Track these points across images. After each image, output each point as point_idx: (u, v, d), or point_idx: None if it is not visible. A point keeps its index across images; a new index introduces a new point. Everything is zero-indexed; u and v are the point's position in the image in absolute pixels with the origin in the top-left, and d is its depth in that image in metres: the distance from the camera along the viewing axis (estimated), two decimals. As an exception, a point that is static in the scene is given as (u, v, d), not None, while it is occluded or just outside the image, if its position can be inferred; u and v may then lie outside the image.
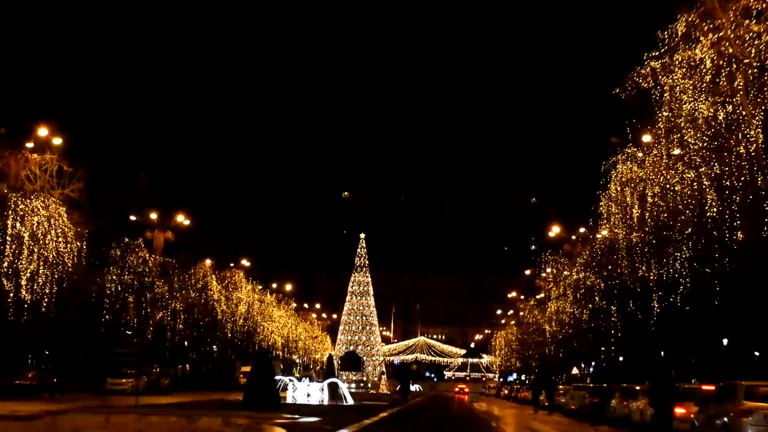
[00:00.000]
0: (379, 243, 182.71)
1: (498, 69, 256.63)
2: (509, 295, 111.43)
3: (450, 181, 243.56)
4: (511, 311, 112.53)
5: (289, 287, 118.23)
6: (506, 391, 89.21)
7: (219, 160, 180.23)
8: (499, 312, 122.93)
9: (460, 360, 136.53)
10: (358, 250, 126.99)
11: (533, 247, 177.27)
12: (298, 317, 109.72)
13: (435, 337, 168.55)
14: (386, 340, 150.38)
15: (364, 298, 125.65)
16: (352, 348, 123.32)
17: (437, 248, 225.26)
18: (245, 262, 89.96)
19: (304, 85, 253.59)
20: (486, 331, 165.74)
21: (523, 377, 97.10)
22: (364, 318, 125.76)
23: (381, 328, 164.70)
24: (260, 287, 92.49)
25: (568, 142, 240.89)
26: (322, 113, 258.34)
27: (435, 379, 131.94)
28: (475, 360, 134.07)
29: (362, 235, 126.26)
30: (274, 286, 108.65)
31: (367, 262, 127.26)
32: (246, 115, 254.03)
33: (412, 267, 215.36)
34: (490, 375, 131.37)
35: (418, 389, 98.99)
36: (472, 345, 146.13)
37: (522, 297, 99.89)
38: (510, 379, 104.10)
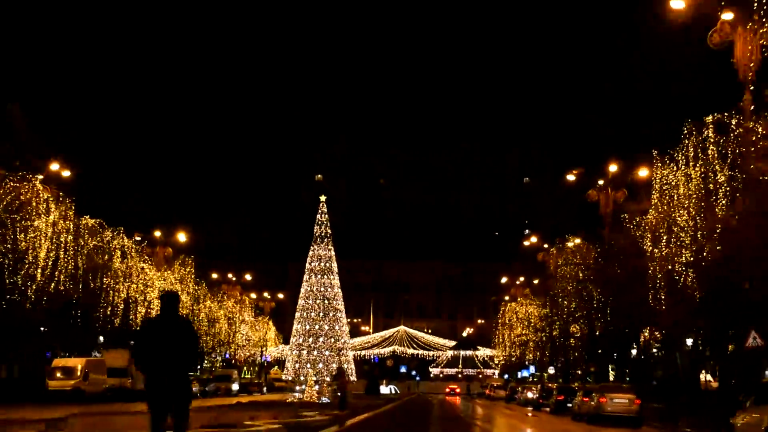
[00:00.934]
0: (358, 230, 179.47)
1: (487, 40, 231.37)
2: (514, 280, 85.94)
3: (433, 162, 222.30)
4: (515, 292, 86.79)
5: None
6: (532, 394, 63.36)
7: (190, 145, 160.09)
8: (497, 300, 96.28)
9: (450, 353, 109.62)
10: (318, 216, 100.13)
11: (527, 231, 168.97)
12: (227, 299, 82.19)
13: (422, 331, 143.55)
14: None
15: (326, 276, 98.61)
16: (311, 340, 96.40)
17: (421, 235, 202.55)
18: (182, 237, 64.86)
19: (275, 61, 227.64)
20: (479, 322, 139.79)
21: (552, 371, 70.51)
22: (326, 302, 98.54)
23: (363, 327, 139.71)
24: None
25: (563, 116, 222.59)
26: (290, 88, 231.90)
27: (418, 378, 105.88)
28: (469, 353, 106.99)
29: (323, 198, 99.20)
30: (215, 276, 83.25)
31: (329, 231, 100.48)
32: (218, 93, 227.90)
33: (394, 256, 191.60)
34: (489, 371, 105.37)
35: (393, 391, 73.47)
36: (465, 333, 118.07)
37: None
38: (524, 374, 77.23)
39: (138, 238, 61.64)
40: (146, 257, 60.52)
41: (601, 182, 52.22)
